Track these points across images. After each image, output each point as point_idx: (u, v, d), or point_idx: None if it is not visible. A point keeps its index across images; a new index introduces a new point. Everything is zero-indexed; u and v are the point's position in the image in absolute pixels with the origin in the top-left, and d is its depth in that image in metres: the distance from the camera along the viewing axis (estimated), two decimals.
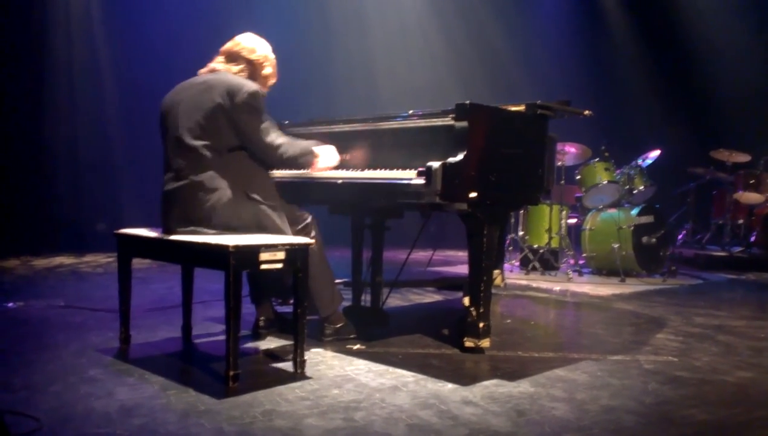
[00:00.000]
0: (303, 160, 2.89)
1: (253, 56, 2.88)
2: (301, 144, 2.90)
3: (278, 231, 2.75)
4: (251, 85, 2.72)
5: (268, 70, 2.94)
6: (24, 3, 6.50)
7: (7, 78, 6.38)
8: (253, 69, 2.89)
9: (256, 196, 2.74)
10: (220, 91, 2.69)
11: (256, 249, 2.42)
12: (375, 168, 3.03)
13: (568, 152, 5.93)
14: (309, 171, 3.03)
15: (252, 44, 2.90)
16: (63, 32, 6.80)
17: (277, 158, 2.81)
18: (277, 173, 3.18)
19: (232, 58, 2.88)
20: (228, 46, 2.91)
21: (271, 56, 2.97)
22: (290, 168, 3.09)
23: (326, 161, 2.97)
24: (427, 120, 2.96)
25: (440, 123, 2.87)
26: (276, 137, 2.79)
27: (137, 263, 2.97)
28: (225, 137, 2.69)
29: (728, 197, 6.89)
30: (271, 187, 2.86)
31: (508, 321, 3.74)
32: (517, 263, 6.08)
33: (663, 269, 5.82)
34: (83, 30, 6.89)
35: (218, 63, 2.88)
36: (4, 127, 6.40)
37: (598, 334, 3.46)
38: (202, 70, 2.89)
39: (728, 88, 8.03)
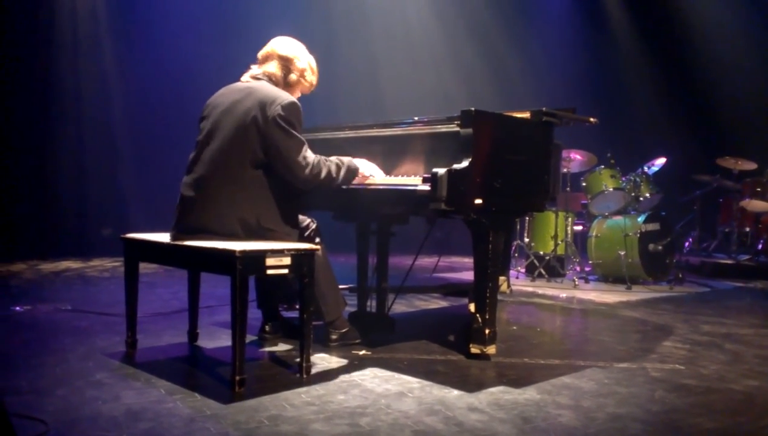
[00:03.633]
0: (342, 179, 2.77)
1: (284, 52, 2.88)
2: (336, 161, 2.78)
3: None
4: (286, 97, 2.69)
5: (303, 64, 2.91)
6: (30, 6, 6.55)
7: (13, 83, 6.43)
8: (286, 64, 2.86)
9: (269, 225, 2.69)
10: (254, 101, 2.66)
11: (262, 254, 2.43)
12: None
13: (574, 159, 5.93)
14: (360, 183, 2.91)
15: (284, 42, 2.93)
16: (69, 37, 6.84)
17: (302, 178, 2.69)
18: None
19: (265, 58, 2.89)
20: (262, 50, 2.92)
21: (307, 55, 2.95)
22: (319, 186, 2.87)
23: (370, 170, 2.92)
24: (432, 127, 2.96)
25: (445, 130, 2.88)
26: (305, 156, 2.68)
27: (144, 267, 2.98)
28: (252, 151, 2.64)
29: (735, 205, 6.86)
30: (288, 213, 2.76)
31: (514, 328, 3.73)
32: (523, 270, 6.07)
33: (669, 276, 5.80)
34: (89, 35, 6.93)
35: (255, 69, 2.89)
36: (10, 132, 6.44)
37: (604, 341, 3.45)
38: (243, 77, 2.88)
39: (735, 95, 8.02)
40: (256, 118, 2.64)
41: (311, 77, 2.96)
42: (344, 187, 2.95)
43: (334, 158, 2.82)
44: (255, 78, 2.85)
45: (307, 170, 2.68)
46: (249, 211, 2.67)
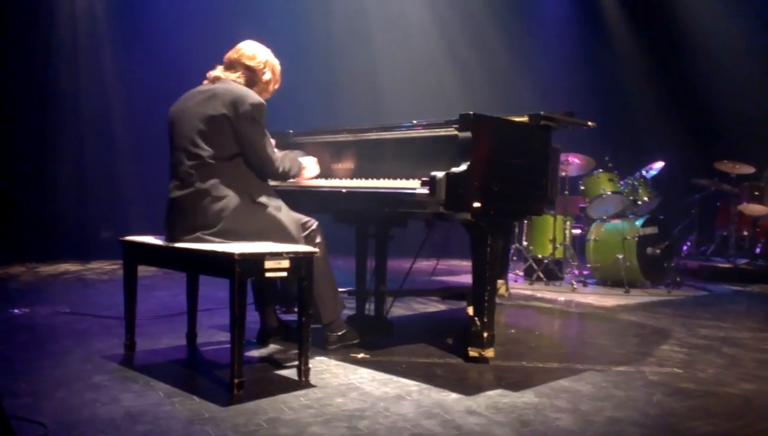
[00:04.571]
0: (294, 172, 3.02)
1: (251, 62, 2.91)
2: (291, 156, 3.03)
3: (286, 232, 2.78)
4: (255, 97, 2.77)
5: (268, 75, 2.97)
6: (29, 8, 6.55)
7: (12, 83, 6.43)
8: (251, 75, 2.92)
9: (261, 199, 2.79)
10: (225, 100, 2.72)
11: (261, 257, 2.44)
12: (379, 178, 3.05)
13: (572, 163, 5.94)
14: (297, 181, 3.16)
15: (252, 50, 2.94)
16: (68, 38, 6.85)
17: (273, 171, 2.87)
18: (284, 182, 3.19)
19: (231, 65, 2.92)
20: (228, 54, 2.95)
21: (272, 61, 3.00)
22: (281, 181, 3.12)
23: (310, 172, 3.15)
24: (431, 130, 2.98)
25: (444, 133, 2.89)
26: (273, 151, 2.88)
27: (142, 270, 2.98)
28: (228, 146, 2.73)
29: (733, 209, 6.87)
30: (271, 189, 2.93)
31: (513, 331, 3.74)
32: (522, 273, 6.08)
33: (667, 280, 5.81)
34: (89, 37, 6.94)
35: (219, 71, 2.92)
36: (10, 134, 6.44)
37: (602, 345, 3.45)
38: (206, 80, 2.92)
39: (733, 99, 8.03)
40: (227, 115, 2.70)
41: (274, 87, 3.05)
42: (344, 190, 2.97)
43: (289, 154, 3.06)
44: (217, 80, 2.88)
45: (278, 165, 2.87)
46: (241, 192, 2.73)
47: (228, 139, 2.72)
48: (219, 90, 2.77)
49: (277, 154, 2.90)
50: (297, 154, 3.16)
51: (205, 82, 2.91)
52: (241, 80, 2.89)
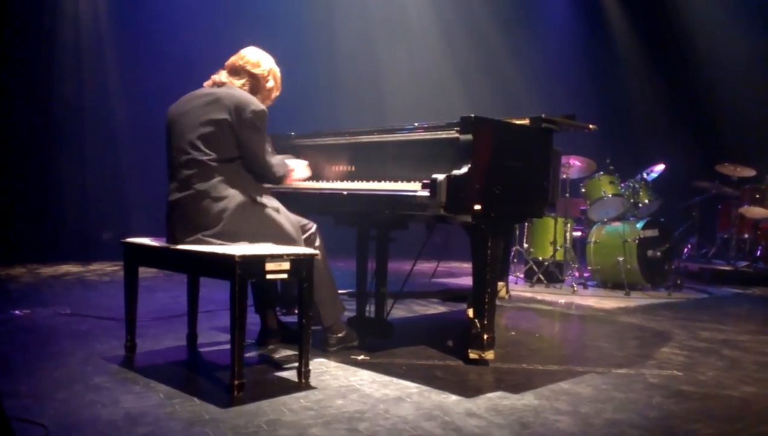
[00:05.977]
0: (283, 176, 2.98)
1: (256, 70, 2.92)
2: (280, 159, 3.00)
3: (285, 233, 2.79)
4: (258, 104, 2.78)
5: (271, 83, 2.99)
6: (33, 10, 6.57)
7: (14, 85, 6.44)
8: (255, 82, 2.93)
9: (261, 200, 2.79)
10: (228, 106, 2.72)
11: (261, 259, 2.44)
12: (380, 180, 3.05)
13: (573, 165, 5.95)
14: (286, 183, 3.12)
15: (256, 58, 2.94)
16: (72, 42, 6.86)
17: (271, 177, 2.87)
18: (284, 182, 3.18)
19: (236, 71, 2.91)
20: (232, 59, 2.94)
21: (275, 69, 3.01)
22: (276, 185, 3.12)
23: (299, 173, 3.12)
24: (433, 133, 2.98)
25: (445, 136, 2.90)
26: (271, 157, 2.89)
27: (143, 271, 2.99)
28: (228, 149, 2.73)
29: (734, 212, 6.87)
30: (269, 191, 2.94)
31: (513, 333, 3.74)
32: (522, 276, 6.08)
33: (668, 282, 5.81)
34: (92, 39, 6.95)
35: (222, 76, 2.91)
36: (12, 136, 6.46)
37: (602, 347, 3.45)
38: (207, 83, 2.91)
39: (734, 102, 8.03)
40: (229, 120, 2.71)
41: (275, 94, 3.06)
42: (345, 192, 2.97)
43: (281, 158, 3.02)
44: (220, 85, 2.87)
45: (275, 170, 2.86)
46: (242, 192, 2.73)
47: (229, 143, 2.72)
48: (222, 94, 2.77)
49: (275, 159, 2.92)
50: (284, 157, 3.11)
51: (207, 84, 2.91)
52: (246, 87, 2.89)
